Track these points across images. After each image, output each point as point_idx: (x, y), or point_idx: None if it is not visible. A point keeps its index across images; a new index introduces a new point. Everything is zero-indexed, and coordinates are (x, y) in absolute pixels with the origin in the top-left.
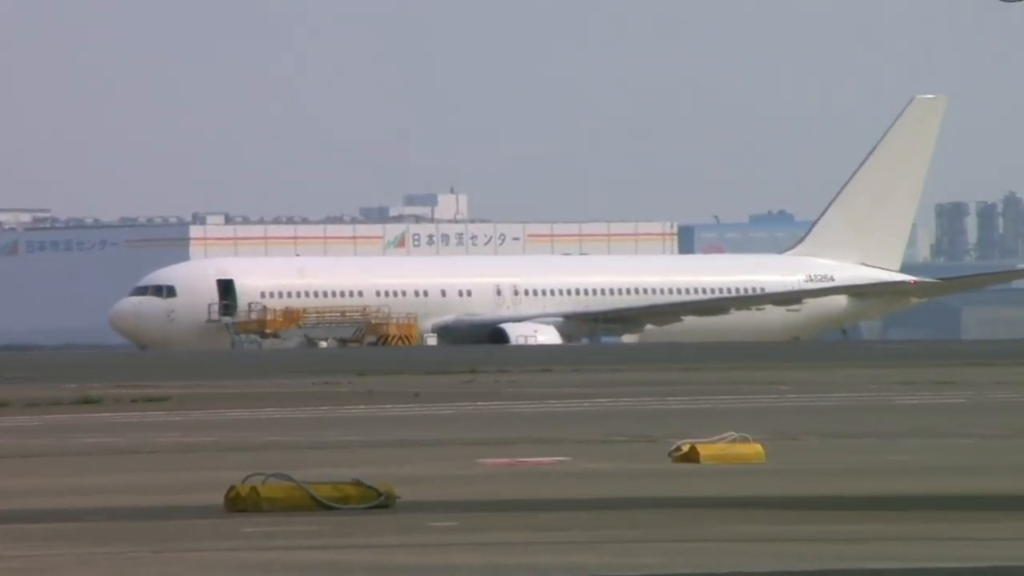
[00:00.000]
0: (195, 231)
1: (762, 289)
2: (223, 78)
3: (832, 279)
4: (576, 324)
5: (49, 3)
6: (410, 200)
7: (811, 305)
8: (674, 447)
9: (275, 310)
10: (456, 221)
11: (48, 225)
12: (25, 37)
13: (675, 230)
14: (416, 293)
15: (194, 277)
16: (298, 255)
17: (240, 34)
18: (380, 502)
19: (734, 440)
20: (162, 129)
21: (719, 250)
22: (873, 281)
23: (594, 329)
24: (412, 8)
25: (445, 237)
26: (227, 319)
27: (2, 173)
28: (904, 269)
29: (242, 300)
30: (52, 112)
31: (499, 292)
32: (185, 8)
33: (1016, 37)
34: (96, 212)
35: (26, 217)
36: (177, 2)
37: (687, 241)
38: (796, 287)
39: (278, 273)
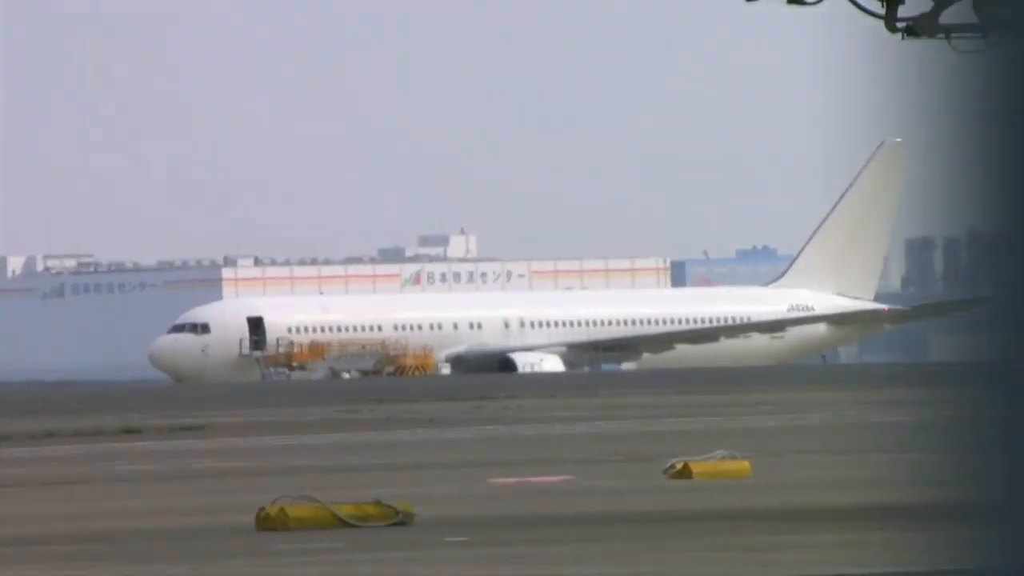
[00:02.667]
0: (227, 273)
1: (748, 318)
2: (249, 132)
3: (812, 309)
4: (578, 353)
5: (85, 54)
6: (424, 241)
7: (793, 333)
8: (669, 465)
9: (301, 344)
10: (466, 260)
11: (92, 270)
12: (57, 90)
13: (668, 265)
14: (431, 326)
15: (226, 315)
16: (322, 293)
17: (265, 84)
18: (399, 520)
19: (723, 458)
20: (195, 178)
21: (708, 283)
22: (850, 310)
23: (595, 357)
24: (422, 57)
25: (456, 275)
26: (257, 353)
27: (49, 223)
28: (877, 299)
29: (271, 335)
30: (93, 165)
31: (507, 324)
32: (212, 58)
33: (975, 83)
34: (135, 256)
35: (71, 262)
36: (203, 53)
37: (679, 275)
38: (779, 316)
39: (304, 310)
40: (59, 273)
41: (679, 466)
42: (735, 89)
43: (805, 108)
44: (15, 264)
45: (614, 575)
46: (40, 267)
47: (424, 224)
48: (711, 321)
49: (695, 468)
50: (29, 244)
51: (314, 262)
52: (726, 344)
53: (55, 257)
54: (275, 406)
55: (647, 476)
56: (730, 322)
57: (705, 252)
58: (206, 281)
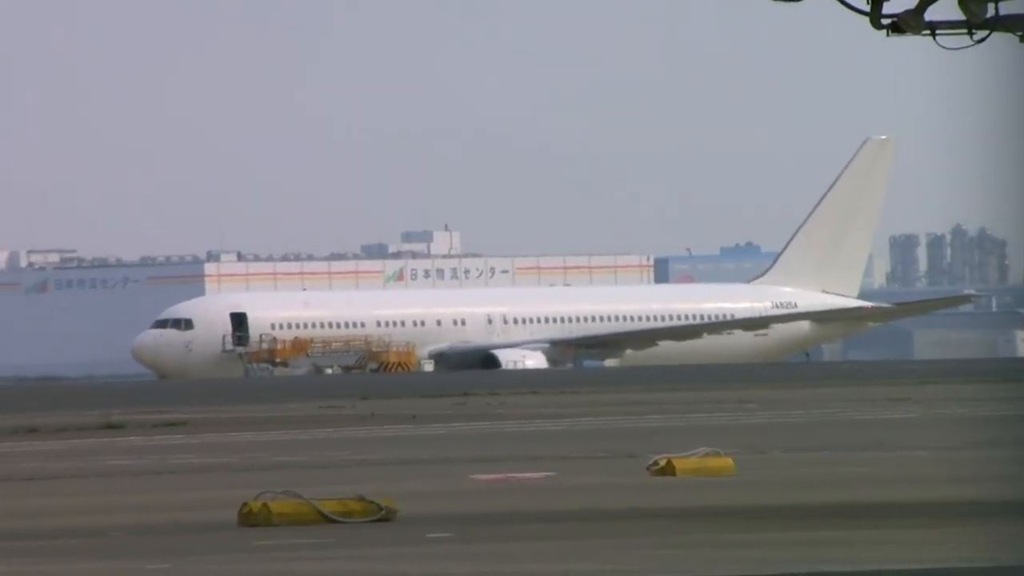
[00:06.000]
0: (210, 268)
1: (732, 315)
2: (234, 128)
3: (796, 305)
4: (561, 350)
5: (76, 53)
6: (407, 237)
7: (777, 330)
8: (652, 462)
9: (284, 340)
10: (450, 256)
11: (75, 265)
12: (42, 88)
13: (651, 262)
14: (414, 323)
15: (210, 311)
16: (305, 289)
17: (249, 80)
18: (382, 516)
19: (707, 455)
20: (179, 174)
21: (692, 280)
22: (833, 307)
23: (578, 354)
24: (408, 53)
25: (440, 271)
26: (240, 349)
27: (33, 217)
28: (861, 296)
29: (254, 331)
30: (78, 160)
31: (490, 321)
32: (195, 58)
33: (959, 80)
34: (119, 252)
35: (54, 257)
36: (187, 50)
37: (662, 272)
38: (763, 313)
39: (286, 306)
40: (42, 268)
41: (662, 463)
42: (719, 86)
43: (790, 104)
44: None
45: (596, 572)
46: (23, 262)
47: (408, 221)
48: (694, 318)
49: (678, 465)
50: (12, 239)
51: (297, 258)
52: (709, 341)
53: (38, 252)
54: (258, 402)
55: (630, 473)
56: (713, 319)
57: (688, 249)
58: (189, 277)
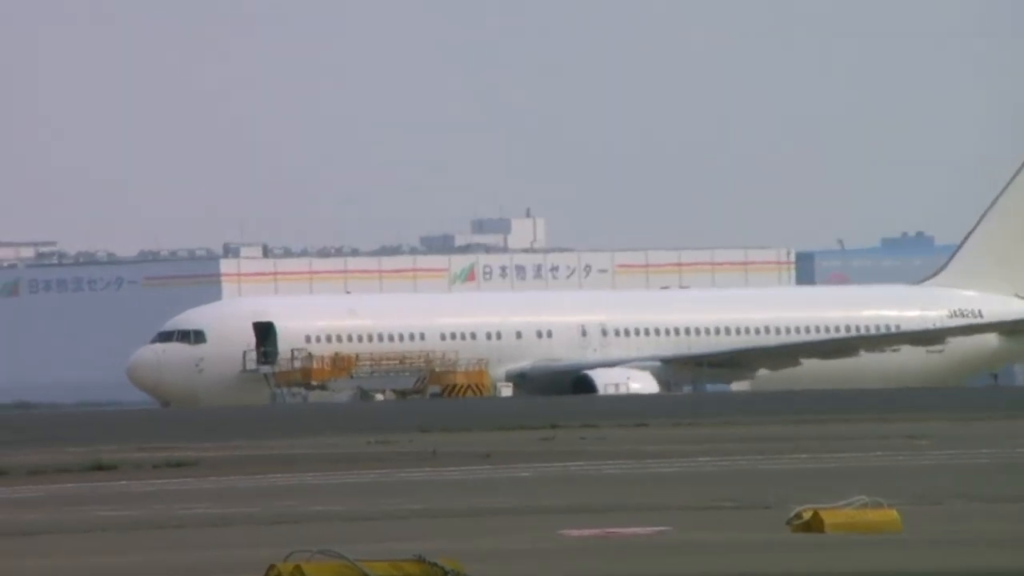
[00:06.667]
0: (227, 265)
1: (897, 326)
2: (257, 90)
3: (980, 314)
4: (676, 369)
5: (68, 24)
6: (479, 227)
7: (955, 345)
8: (794, 514)
9: (322, 357)
10: (533, 250)
11: (55, 261)
12: (32, 46)
13: (792, 258)
14: (487, 335)
15: (227, 320)
16: (348, 292)
17: (278, 46)
18: None
19: (864, 505)
20: (188, 150)
21: (845, 280)
22: None
23: (697, 375)
24: (465, 20)
25: (520, 269)
26: (266, 368)
27: (1, 202)
28: None
29: (283, 346)
30: (59, 131)
31: (584, 333)
32: (225, 24)
33: None
34: (110, 245)
35: (29, 252)
36: (212, 20)
37: (807, 270)
38: (937, 324)
39: (325, 314)
40: (13, 265)
41: (807, 515)
42: (880, 32)
43: (970, 57)
44: None
45: None
46: None
47: (480, 206)
48: (848, 329)
49: (827, 518)
50: None
51: (339, 253)
52: (867, 359)
53: (8, 245)
54: (288, 436)
55: (765, 528)
56: (873, 331)
57: (840, 241)
58: (201, 276)
